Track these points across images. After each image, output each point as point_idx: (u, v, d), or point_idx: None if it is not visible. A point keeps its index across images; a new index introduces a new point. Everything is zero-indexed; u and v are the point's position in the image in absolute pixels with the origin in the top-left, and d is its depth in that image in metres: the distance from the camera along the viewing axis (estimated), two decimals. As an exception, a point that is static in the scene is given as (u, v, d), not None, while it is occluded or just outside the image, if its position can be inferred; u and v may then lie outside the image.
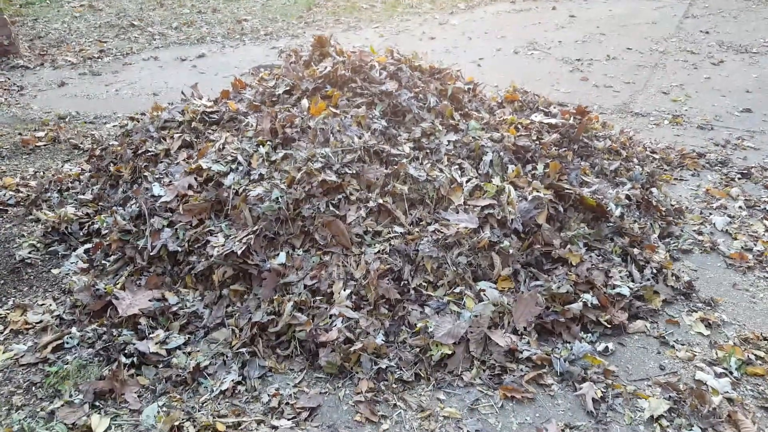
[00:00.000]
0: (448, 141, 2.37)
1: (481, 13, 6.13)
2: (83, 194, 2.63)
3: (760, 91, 3.96)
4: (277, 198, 2.04)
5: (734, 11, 5.85)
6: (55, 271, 2.23)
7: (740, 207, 2.59)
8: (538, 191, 2.09)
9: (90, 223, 2.43)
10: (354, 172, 2.11)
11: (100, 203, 2.54)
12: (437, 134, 2.39)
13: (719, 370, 1.73)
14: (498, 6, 6.38)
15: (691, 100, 3.87)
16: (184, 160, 2.42)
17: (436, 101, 2.58)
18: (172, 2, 6.70)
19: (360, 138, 2.22)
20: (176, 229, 2.13)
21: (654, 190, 2.54)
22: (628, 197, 2.35)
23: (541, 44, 5.11)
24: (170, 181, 2.29)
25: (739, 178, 2.85)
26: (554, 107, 2.92)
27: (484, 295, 1.86)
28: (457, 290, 1.89)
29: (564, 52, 4.90)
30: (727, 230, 2.43)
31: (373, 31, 5.55)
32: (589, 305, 1.85)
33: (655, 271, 2.06)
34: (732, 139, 3.28)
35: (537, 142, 2.43)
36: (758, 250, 2.28)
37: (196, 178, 2.24)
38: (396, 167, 2.14)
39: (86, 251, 2.29)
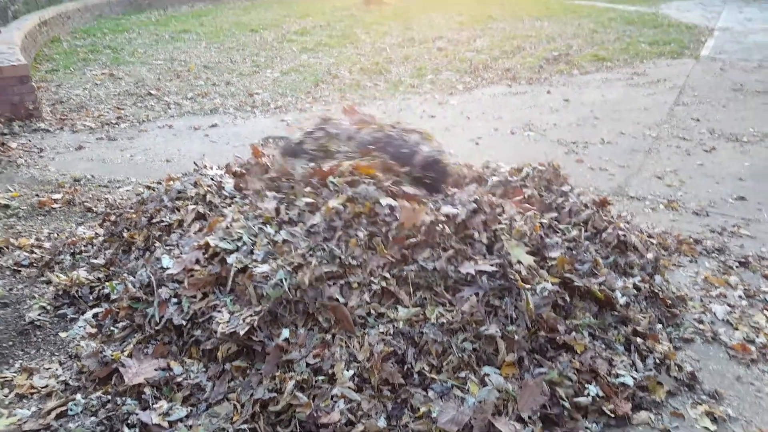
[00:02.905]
0: None
1: (478, 95, 6.41)
2: (96, 258, 2.68)
3: (752, 179, 4.10)
4: (281, 279, 2.08)
5: (723, 100, 6.12)
6: (62, 335, 2.24)
7: (740, 296, 2.63)
8: (546, 281, 2.15)
9: (100, 287, 2.47)
10: (358, 263, 2.16)
11: (112, 268, 2.59)
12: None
13: (726, 468, 1.72)
14: (495, 89, 6.68)
15: (686, 185, 4.00)
16: (195, 232, 2.49)
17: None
18: (188, 74, 7.02)
19: (365, 231, 2.26)
20: (181, 301, 2.16)
21: (657, 277, 2.59)
22: (636, 287, 2.39)
23: (536, 126, 5.31)
24: (180, 253, 2.35)
25: (737, 267, 2.91)
26: (575, 192, 2.97)
27: (489, 380, 1.88)
28: (462, 375, 1.90)
29: (559, 134, 5.08)
30: (727, 320, 2.46)
31: (376, 108, 5.78)
32: (595, 396, 1.87)
33: (657, 360, 2.09)
34: (728, 226, 3.37)
35: (561, 234, 2.48)
36: (761, 342, 2.30)
37: (203, 254, 2.29)
38: (405, 252, 2.20)
39: (94, 316, 2.32)
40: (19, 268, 2.68)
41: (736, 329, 2.40)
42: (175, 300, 2.16)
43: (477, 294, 2.08)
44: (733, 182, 4.04)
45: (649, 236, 3.14)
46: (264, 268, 2.11)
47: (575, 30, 10.19)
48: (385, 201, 2.32)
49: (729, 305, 2.56)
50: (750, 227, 3.37)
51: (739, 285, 2.73)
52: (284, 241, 2.24)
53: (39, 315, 2.34)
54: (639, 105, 5.98)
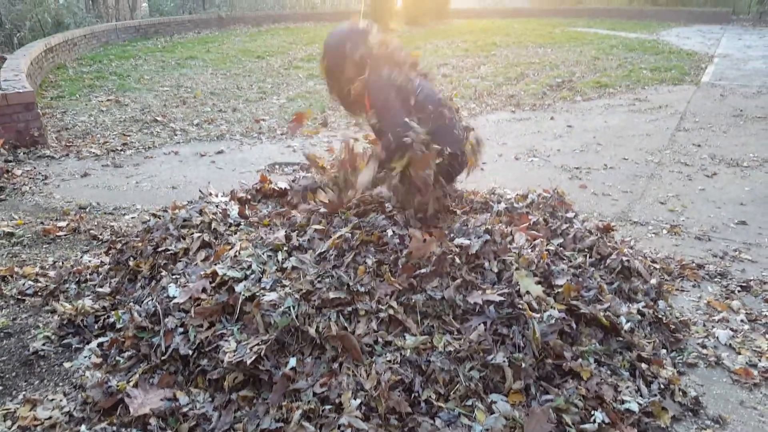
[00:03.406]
0: None
1: (483, 121, 6.48)
2: (101, 287, 2.69)
3: (753, 203, 4.12)
4: (290, 307, 2.09)
5: (723, 126, 6.19)
6: (67, 365, 2.24)
7: (742, 320, 2.64)
8: (553, 308, 2.16)
9: (106, 316, 2.47)
10: (366, 291, 2.17)
11: (117, 297, 2.60)
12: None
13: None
14: (499, 115, 6.76)
15: (688, 210, 4.02)
16: (201, 261, 2.50)
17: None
18: (194, 101, 7.12)
19: (373, 259, 2.29)
20: (187, 331, 2.16)
21: (661, 302, 2.60)
22: (640, 313, 2.40)
23: (540, 152, 5.37)
24: (186, 282, 2.36)
25: (739, 291, 2.92)
26: (580, 218, 3.01)
27: (496, 407, 1.87)
28: (469, 403, 1.90)
29: (563, 160, 5.13)
30: (730, 344, 2.46)
31: (382, 134, 5.84)
32: (601, 422, 1.86)
33: (662, 386, 2.08)
34: (729, 251, 3.38)
35: (567, 261, 2.51)
36: (763, 367, 2.31)
37: (210, 282, 2.29)
38: (413, 281, 2.22)
39: (100, 345, 2.32)
40: (24, 297, 2.68)
41: (739, 354, 2.40)
42: (181, 329, 2.17)
43: (485, 323, 2.09)
44: (734, 207, 4.06)
45: (653, 261, 3.16)
46: (272, 296, 2.12)
47: (578, 57, 10.35)
48: (392, 231, 2.34)
49: (731, 330, 2.57)
50: (751, 252, 3.38)
51: (741, 309, 2.74)
52: (293, 267, 2.26)
53: (43, 345, 2.34)
54: (641, 131, 6.04)
